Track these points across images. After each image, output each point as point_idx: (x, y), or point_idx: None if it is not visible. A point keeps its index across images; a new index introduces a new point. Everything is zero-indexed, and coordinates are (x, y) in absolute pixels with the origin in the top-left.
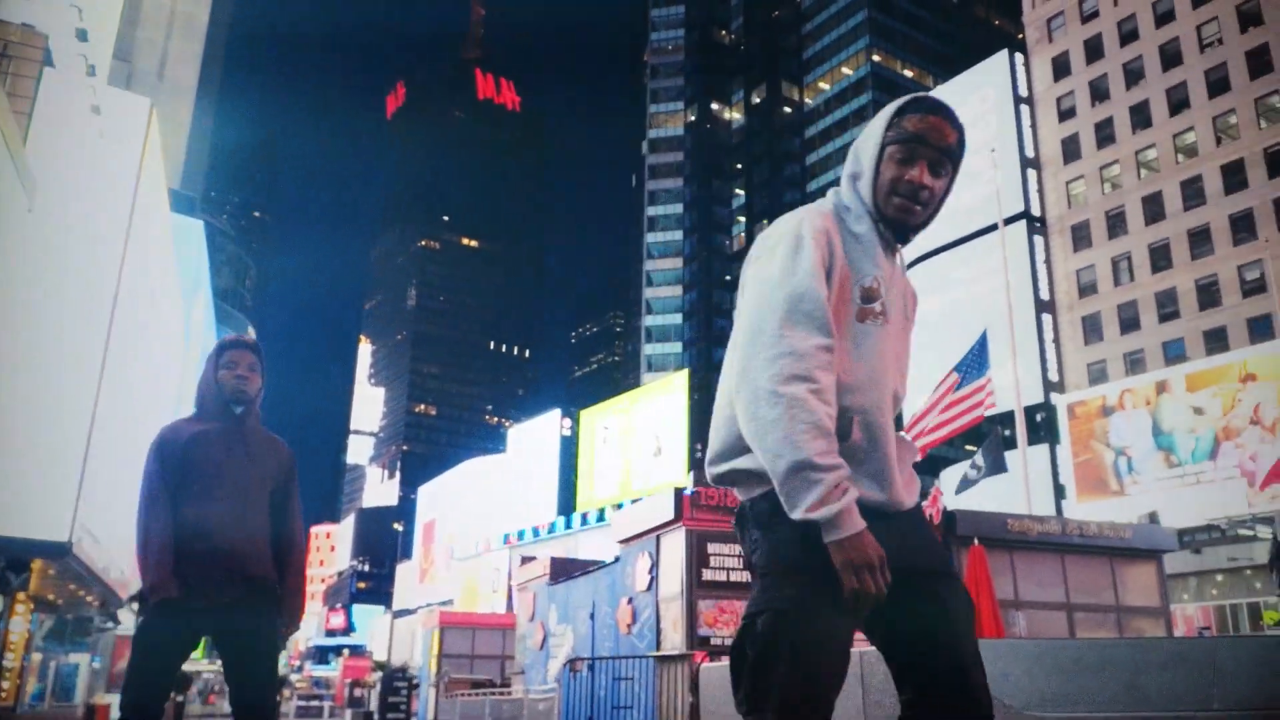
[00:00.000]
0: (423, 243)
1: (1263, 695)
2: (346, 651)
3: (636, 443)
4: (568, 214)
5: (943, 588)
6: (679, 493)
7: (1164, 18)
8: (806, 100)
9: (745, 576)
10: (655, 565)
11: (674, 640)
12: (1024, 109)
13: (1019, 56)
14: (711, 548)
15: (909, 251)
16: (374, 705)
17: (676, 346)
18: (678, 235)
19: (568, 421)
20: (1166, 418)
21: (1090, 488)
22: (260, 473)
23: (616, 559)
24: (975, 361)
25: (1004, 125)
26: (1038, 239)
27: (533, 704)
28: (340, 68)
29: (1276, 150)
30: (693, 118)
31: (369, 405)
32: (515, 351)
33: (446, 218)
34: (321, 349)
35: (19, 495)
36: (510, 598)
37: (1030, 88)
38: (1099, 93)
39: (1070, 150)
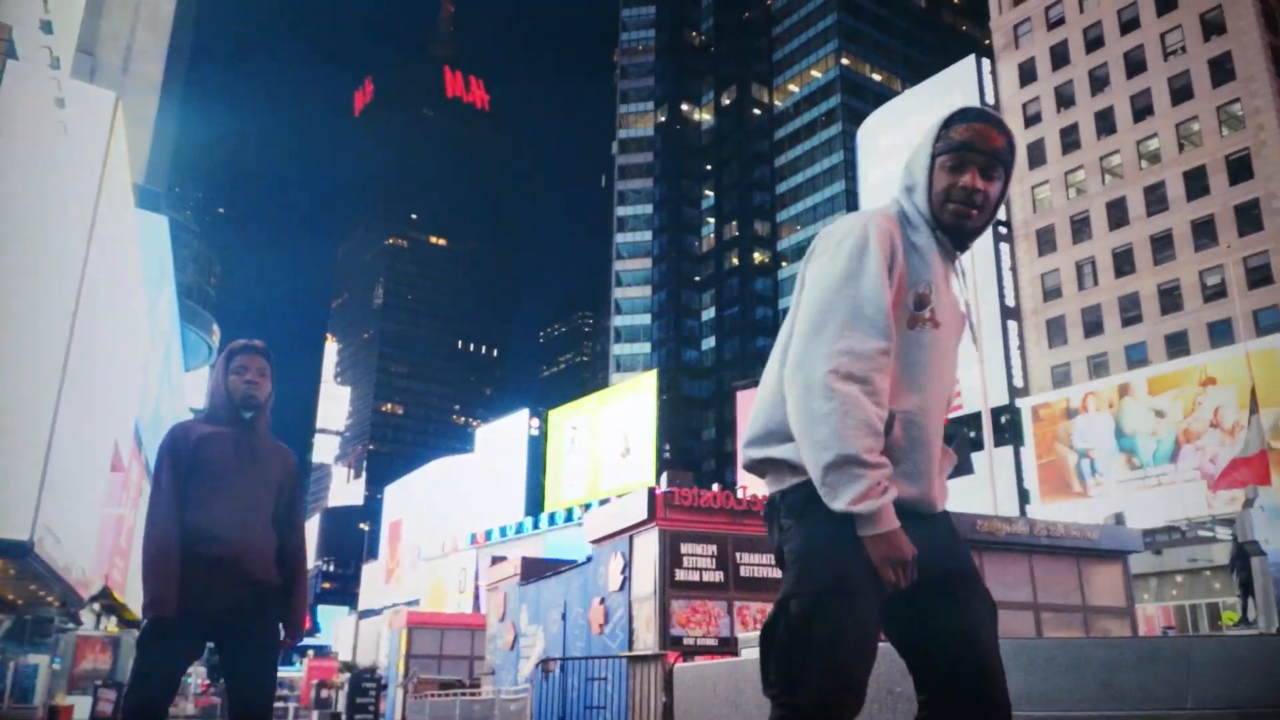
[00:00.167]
0: (390, 241)
1: (1236, 693)
2: (311, 653)
3: (605, 443)
4: (537, 213)
5: (966, 590)
6: (652, 492)
7: (1129, 25)
8: (776, 102)
9: (718, 577)
10: (628, 565)
11: (647, 640)
12: None
13: (986, 62)
14: (685, 548)
15: None
16: (341, 706)
17: (645, 347)
18: (647, 236)
19: (536, 421)
20: (1129, 420)
21: (1054, 489)
22: (267, 479)
23: (589, 559)
24: None
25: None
26: (1003, 245)
27: (504, 704)
28: (307, 63)
29: (1238, 157)
30: (662, 118)
31: (335, 404)
32: (483, 351)
33: (415, 216)
34: (287, 347)
35: None
36: (477, 598)
37: (997, 93)
38: (1064, 99)
39: (1036, 155)
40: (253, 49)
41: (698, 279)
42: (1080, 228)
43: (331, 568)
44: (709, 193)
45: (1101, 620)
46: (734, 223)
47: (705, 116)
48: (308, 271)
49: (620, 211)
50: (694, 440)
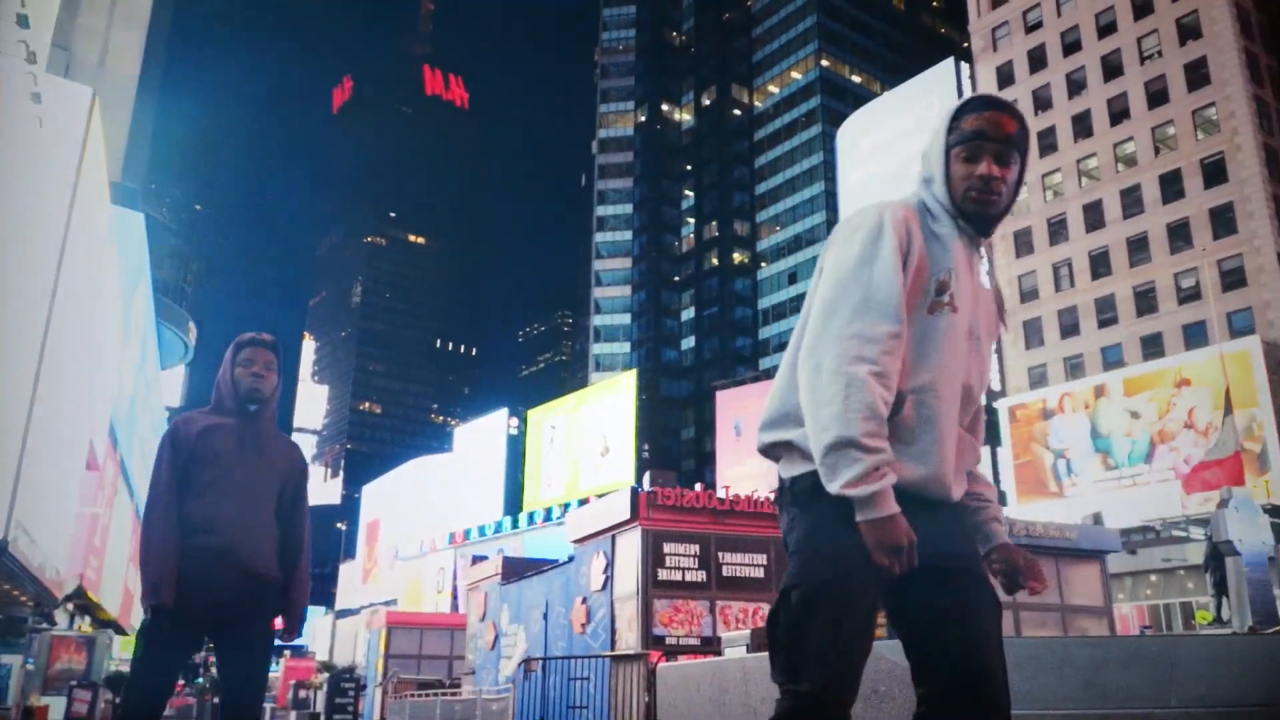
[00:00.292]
0: (368, 239)
1: (1219, 692)
2: (288, 653)
3: (584, 442)
4: (516, 212)
5: (970, 588)
6: (635, 492)
7: (1106, 29)
8: (756, 103)
9: (700, 576)
10: (610, 565)
11: (629, 640)
12: None
13: (965, 65)
14: (668, 547)
15: None
16: (320, 707)
17: (625, 346)
18: (627, 235)
19: (515, 421)
20: (1104, 421)
21: (1030, 489)
22: (270, 472)
23: (571, 558)
24: None
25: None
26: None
27: (486, 704)
28: (286, 60)
29: (1212, 161)
30: (643, 118)
31: (312, 403)
32: (462, 350)
33: (393, 214)
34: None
35: None
36: (455, 598)
37: None
38: (1042, 102)
39: None
40: (231, 45)
41: (677, 279)
42: (1057, 230)
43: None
44: (689, 193)
45: (1079, 619)
46: (714, 223)
47: (685, 116)
48: (285, 269)
49: (600, 211)
50: (673, 440)
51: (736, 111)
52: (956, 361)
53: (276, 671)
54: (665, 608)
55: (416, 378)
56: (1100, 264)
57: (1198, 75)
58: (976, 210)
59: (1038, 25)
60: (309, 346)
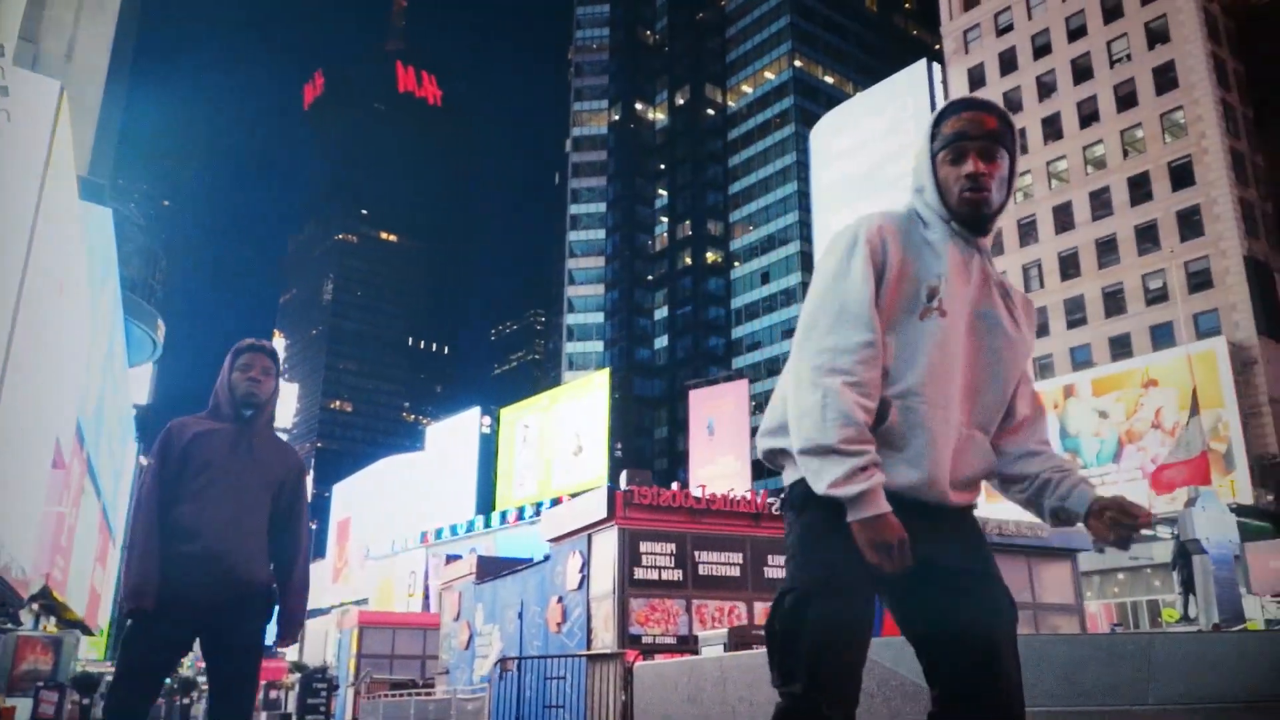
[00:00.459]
0: (340, 236)
1: (1196, 689)
2: None
3: (557, 441)
4: (489, 210)
5: (982, 591)
6: (612, 490)
7: (1076, 33)
8: (729, 103)
9: (677, 575)
10: (587, 564)
11: (605, 639)
12: None
13: (937, 67)
14: (644, 546)
15: None
16: (291, 707)
17: (598, 345)
18: (600, 234)
19: (487, 419)
20: (1073, 421)
21: None
22: (263, 476)
23: (546, 557)
24: None
25: (922, 133)
26: None
27: (461, 704)
28: (257, 55)
29: (1180, 164)
30: (616, 117)
31: (282, 401)
32: (434, 348)
33: (365, 211)
34: (234, 343)
35: None
36: (427, 597)
37: (947, 97)
38: (1012, 104)
39: None
40: (201, 40)
41: (651, 278)
42: (1027, 231)
43: None
44: (662, 192)
45: (1051, 617)
46: (687, 222)
47: (659, 116)
48: (255, 266)
49: (573, 209)
50: (646, 439)
51: (710, 111)
52: (950, 364)
53: None
54: (641, 607)
55: (388, 376)
56: (1069, 265)
57: (1166, 79)
58: (969, 211)
59: (1009, 28)
60: (279, 344)
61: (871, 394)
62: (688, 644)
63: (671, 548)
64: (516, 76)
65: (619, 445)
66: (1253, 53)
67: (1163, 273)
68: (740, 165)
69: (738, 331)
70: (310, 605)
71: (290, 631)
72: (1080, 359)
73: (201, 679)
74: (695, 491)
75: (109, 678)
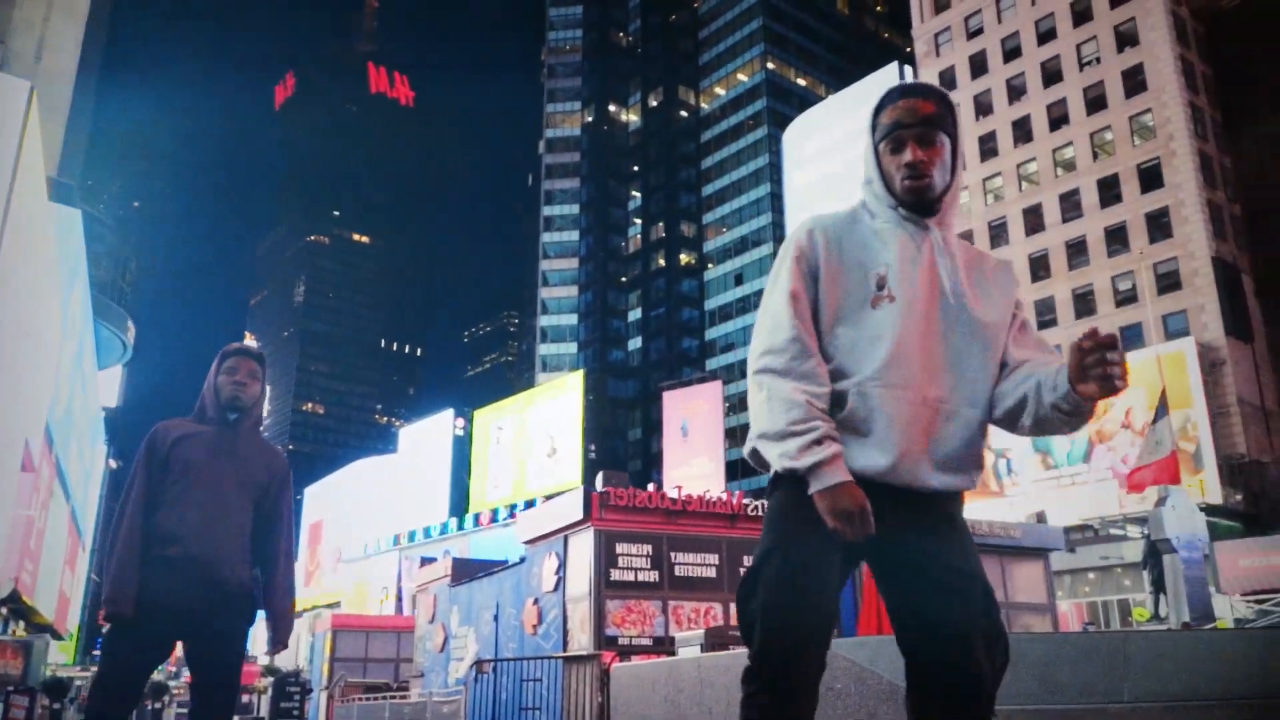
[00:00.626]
0: (311, 238)
1: (1171, 687)
2: None
3: (531, 443)
4: (462, 212)
5: (956, 580)
6: (588, 492)
7: (1045, 36)
8: (702, 105)
9: (653, 576)
10: (563, 565)
11: (581, 640)
12: None
13: (908, 70)
14: (620, 547)
15: None
16: (264, 711)
17: (571, 347)
18: (574, 235)
19: (461, 421)
20: None
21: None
22: (246, 479)
23: (522, 559)
24: None
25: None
26: None
27: (437, 706)
28: (227, 55)
29: (1149, 166)
30: (590, 118)
31: None
32: (407, 350)
33: (337, 213)
34: (205, 345)
35: None
36: (400, 600)
37: None
38: (983, 107)
39: None
40: (171, 40)
41: (624, 279)
42: (998, 233)
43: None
44: (636, 194)
45: (1024, 616)
46: (660, 224)
47: (632, 118)
48: (226, 268)
49: (547, 211)
50: (620, 441)
51: (683, 113)
52: (908, 346)
53: None
54: (618, 608)
55: (360, 378)
56: (1040, 267)
57: (1135, 82)
58: (913, 198)
59: (979, 31)
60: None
61: (810, 380)
62: (664, 645)
63: (648, 549)
64: (489, 78)
65: (593, 447)
66: (1221, 56)
67: (1132, 274)
68: (713, 167)
69: (711, 333)
70: None
71: (281, 635)
72: None
73: (173, 683)
74: (671, 493)
75: (79, 682)
